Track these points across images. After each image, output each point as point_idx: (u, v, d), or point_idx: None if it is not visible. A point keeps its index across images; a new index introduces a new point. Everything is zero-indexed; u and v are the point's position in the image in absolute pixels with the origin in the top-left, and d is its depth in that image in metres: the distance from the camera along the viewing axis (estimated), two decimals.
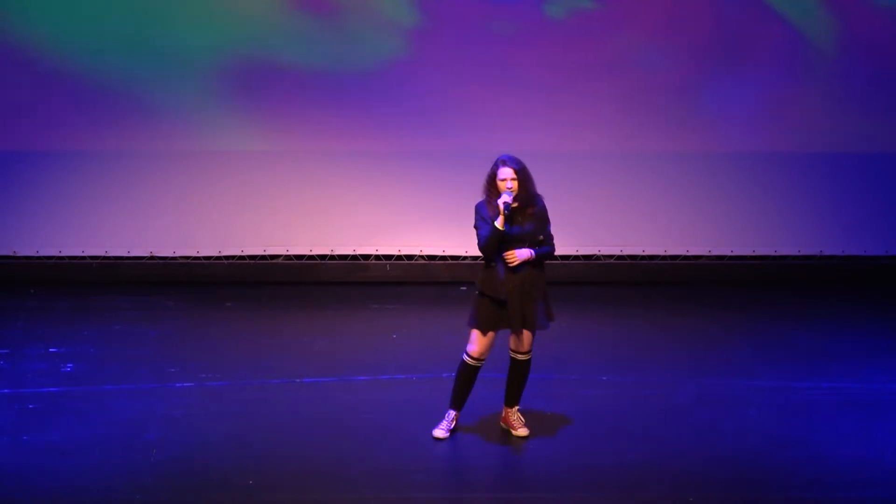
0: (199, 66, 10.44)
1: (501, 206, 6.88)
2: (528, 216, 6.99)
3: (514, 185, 6.91)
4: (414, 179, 10.65)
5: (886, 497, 6.49)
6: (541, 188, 10.83)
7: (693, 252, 10.98)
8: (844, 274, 10.99)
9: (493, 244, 6.93)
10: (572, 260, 10.95)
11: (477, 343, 7.06)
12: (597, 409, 7.71)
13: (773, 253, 10.99)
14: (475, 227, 7.02)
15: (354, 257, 10.91)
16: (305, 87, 10.52)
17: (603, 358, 8.74)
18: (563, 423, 7.46)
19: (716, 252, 10.99)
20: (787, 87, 10.69)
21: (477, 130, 10.52)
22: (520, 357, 7.16)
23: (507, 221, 6.90)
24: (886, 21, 10.65)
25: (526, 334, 7.09)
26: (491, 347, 7.08)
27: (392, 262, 10.92)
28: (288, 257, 10.88)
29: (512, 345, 7.16)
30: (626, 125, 10.70)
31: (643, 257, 10.99)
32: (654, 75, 10.65)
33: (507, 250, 6.94)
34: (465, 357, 7.11)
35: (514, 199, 6.92)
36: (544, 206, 7.07)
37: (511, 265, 6.94)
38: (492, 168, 7.01)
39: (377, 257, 10.92)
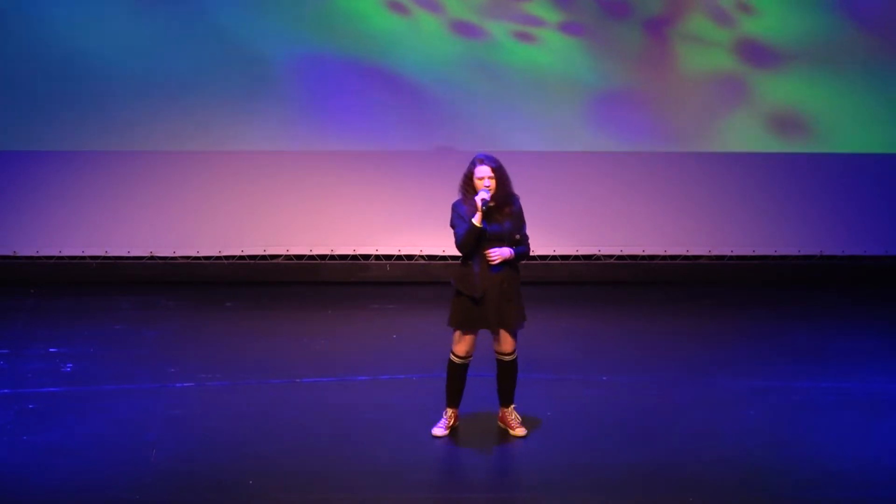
0: (198, 66, 10.44)
1: (479, 203, 6.88)
2: (506, 215, 7.00)
3: (492, 183, 6.92)
4: (414, 179, 10.64)
5: (886, 497, 6.48)
6: (541, 188, 10.84)
7: (693, 252, 10.97)
8: (844, 274, 10.98)
9: (471, 241, 6.93)
10: (572, 260, 10.95)
11: (460, 343, 7.09)
12: (597, 409, 7.71)
13: (773, 253, 10.98)
14: (451, 225, 7.03)
15: (354, 257, 10.91)
16: (305, 88, 10.51)
17: (603, 358, 8.74)
18: (563, 423, 7.45)
19: (716, 252, 10.98)
20: (786, 87, 10.69)
21: (477, 131, 10.51)
22: (505, 359, 7.17)
23: (484, 219, 6.91)
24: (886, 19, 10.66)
25: (506, 335, 7.08)
26: (475, 345, 7.11)
27: (392, 262, 10.91)
28: (288, 257, 10.88)
29: (495, 346, 7.17)
30: (626, 125, 10.69)
31: (643, 257, 10.98)
32: (651, 75, 10.67)
33: (486, 249, 6.95)
34: (452, 357, 7.14)
35: (492, 198, 6.92)
36: (520, 206, 7.08)
37: (492, 264, 6.95)
38: (469, 167, 7.02)
39: (377, 257, 10.91)
